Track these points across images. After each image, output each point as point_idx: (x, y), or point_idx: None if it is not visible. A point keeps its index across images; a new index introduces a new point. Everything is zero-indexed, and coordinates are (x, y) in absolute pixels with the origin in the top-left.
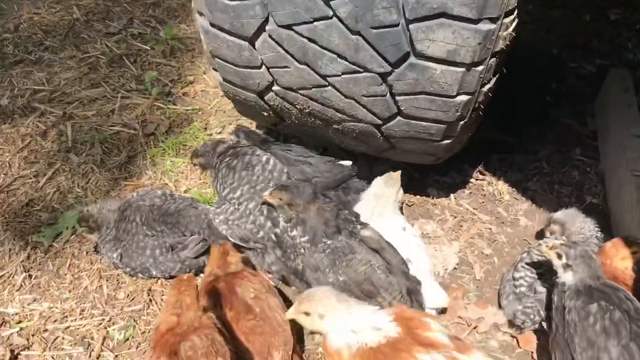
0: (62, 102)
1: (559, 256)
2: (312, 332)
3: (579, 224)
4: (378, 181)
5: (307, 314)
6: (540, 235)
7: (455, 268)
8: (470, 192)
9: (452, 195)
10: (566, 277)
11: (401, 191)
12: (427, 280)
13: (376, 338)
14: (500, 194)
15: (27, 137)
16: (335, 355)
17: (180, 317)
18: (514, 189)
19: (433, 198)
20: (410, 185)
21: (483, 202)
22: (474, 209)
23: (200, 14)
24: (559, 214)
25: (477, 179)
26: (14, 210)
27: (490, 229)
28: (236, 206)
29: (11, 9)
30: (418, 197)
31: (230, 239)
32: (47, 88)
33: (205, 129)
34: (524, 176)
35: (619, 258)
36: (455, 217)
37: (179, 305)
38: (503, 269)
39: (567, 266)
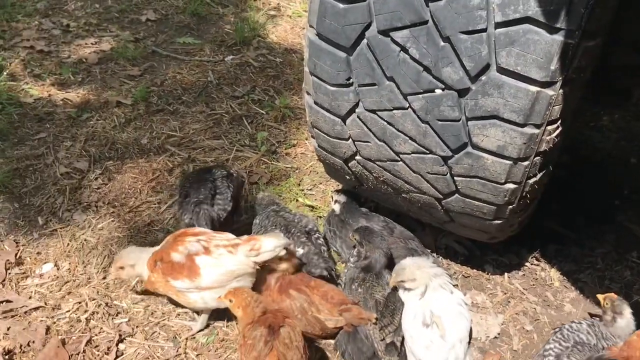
0: (189, 147)
1: None
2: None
3: (628, 315)
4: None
5: (122, 268)
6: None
7: (496, 337)
8: (524, 274)
9: (506, 274)
10: None
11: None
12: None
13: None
14: (551, 280)
15: (157, 172)
16: (149, 281)
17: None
18: (565, 278)
19: (488, 274)
20: (470, 260)
21: (533, 285)
22: (524, 289)
23: (308, 93)
24: (626, 307)
25: (532, 264)
26: (137, 227)
27: (535, 309)
28: None
29: (160, 67)
30: (475, 270)
31: None
32: (178, 134)
33: (299, 184)
34: (577, 268)
35: None
36: (505, 294)
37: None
38: (540, 346)
39: None
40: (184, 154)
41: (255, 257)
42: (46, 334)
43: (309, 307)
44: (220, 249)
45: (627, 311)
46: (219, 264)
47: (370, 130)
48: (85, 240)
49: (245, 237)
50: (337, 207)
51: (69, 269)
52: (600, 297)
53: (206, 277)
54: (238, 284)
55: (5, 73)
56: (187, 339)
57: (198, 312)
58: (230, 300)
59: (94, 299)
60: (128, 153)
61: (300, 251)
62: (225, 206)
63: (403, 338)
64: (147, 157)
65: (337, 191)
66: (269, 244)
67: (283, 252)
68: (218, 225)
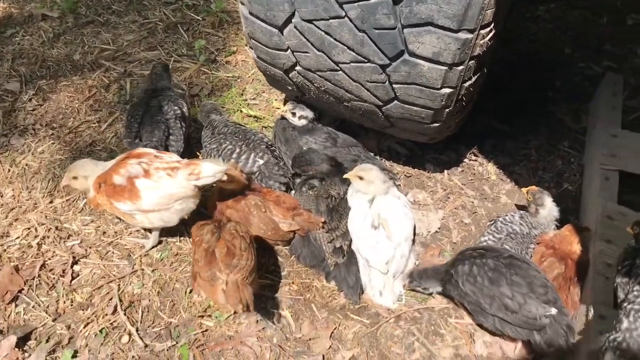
0: (124, 61)
1: None
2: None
3: (549, 204)
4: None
5: (75, 178)
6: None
7: (436, 231)
8: (462, 170)
9: (445, 172)
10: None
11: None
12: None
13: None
14: (488, 174)
15: (93, 89)
16: (94, 201)
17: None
18: (501, 171)
19: (429, 172)
20: (411, 160)
21: (472, 180)
22: (462, 184)
23: (242, 3)
24: (546, 198)
25: (470, 160)
26: (80, 148)
27: (473, 202)
28: None
29: None
30: (416, 170)
31: None
32: (112, 47)
33: (242, 94)
34: (512, 161)
35: (576, 242)
36: (445, 190)
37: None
38: (478, 237)
39: None
40: (119, 68)
41: (195, 181)
42: None
43: (263, 205)
44: (160, 171)
45: (548, 201)
46: (158, 187)
47: (308, 41)
48: (26, 165)
49: (185, 161)
50: (300, 122)
51: (13, 195)
52: (523, 190)
53: (147, 200)
54: (180, 206)
55: None
56: (141, 256)
57: (150, 230)
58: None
59: (43, 224)
60: (61, 70)
61: (260, 161)
62: (178, 148)
63: (350, 241)
64: (82, 73)
65: (294, 104)
66: (209, 169)
67: (224, 178)
68: None
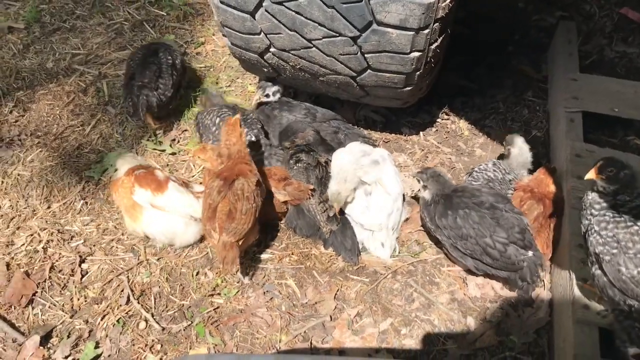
0: (97, 64)
1: (418, 181)
2: None
3: (520, 143)
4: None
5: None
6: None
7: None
8: (436, 130)
9: (421, 133)
10: (424, 194)
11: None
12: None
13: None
14: (461, 131)
15: (71, 94)
16: (115, 184)
17: (230, 150)
18: (473, 126)
19: (405, 135)
20: (388, 126)
21: (446, 138)
22: (438, 143)
23: None
24: (516, 138)
25: (442, 119)
26: (68, 153)
27: (450, 158)
28: None
29: None
30: (393, 135)
31: None
32: (82, 52)
33: (217, 83)
34: (482, 115)
35: (551, 183)
36: (423, 150)
37: (227, 142)
38: None
39: (424, 187)
40: (93, 71)
41: None
42: (7, 269)
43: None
44: (194, 194)
45: (519, 141)
46: (185, 193)
47: (280, 22)
48: (18, 175)
49: None
50: (276, 97)
51: (11, 205)
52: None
53: (167, 196)
54: (185, 226)
55: None
56: (145, 247)
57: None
58: (199, 157)
59: (44, 229)
60: (36, 80)
61: (252, 138)
62: (165, 91)
63: (341, 209)
64: (57, 80)
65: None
66: None
67: None
68: (157, 109)
